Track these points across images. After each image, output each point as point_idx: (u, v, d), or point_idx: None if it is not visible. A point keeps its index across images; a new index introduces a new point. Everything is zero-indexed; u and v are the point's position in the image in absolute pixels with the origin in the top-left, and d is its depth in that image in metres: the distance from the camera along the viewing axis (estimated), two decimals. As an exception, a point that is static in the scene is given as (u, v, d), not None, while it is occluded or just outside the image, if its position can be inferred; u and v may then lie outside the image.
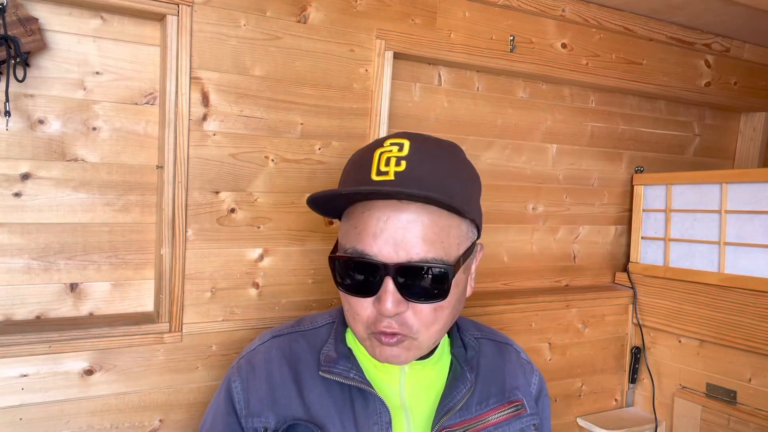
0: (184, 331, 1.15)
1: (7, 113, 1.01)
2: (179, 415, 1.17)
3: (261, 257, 1.22)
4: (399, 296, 0.71)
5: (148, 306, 1.19)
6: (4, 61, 0.96)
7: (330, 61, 1.22)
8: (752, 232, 1.49)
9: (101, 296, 1.15)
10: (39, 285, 1.10)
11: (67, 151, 1.09)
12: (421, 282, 0.72)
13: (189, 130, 1.10)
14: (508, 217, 1.64)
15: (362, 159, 0.76)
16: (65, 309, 1.12)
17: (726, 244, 1.54)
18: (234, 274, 1.19)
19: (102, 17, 1.08)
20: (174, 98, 1.08)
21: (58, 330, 1.04)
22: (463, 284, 0.79)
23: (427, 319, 0.74)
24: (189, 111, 1.10)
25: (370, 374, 0.82)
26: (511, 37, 1.45)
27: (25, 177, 1.06)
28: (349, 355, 0.82)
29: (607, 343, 1.76)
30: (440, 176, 0.73)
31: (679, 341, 1.67)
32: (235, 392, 0.82)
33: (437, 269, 0.71)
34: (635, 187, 1.79)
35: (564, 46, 1.54)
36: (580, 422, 1.71)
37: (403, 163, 0.72)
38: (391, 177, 0.71)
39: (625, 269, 1.80)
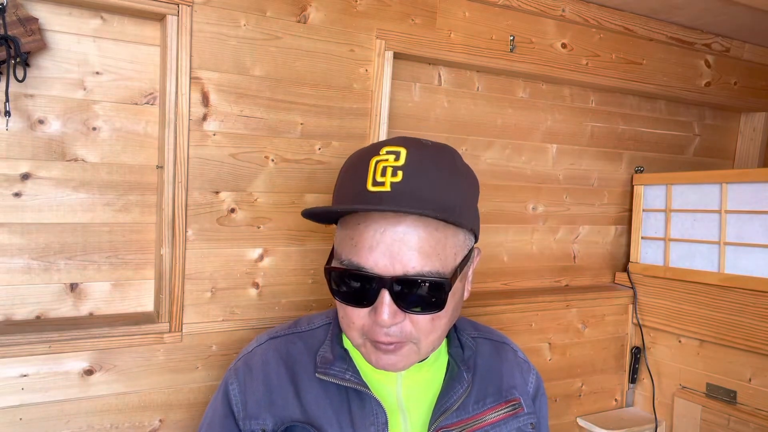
0: (184, 331, 1.15)
1: (7, 113, 1.01)
2: (179, 415, 1.17)
3: (261, 257, 1.22)
4: (395, 308, 0.71)
5: (148, 306, 1.19)
6: (4, 61, 0.96)
7: (330, 61, 1.22)
8: (752, 232, 1.49)
9: (101, 296, 1.15)
10: (39, 285, 1.10)
11: (67, 151, 1.09)
12: (418, 294, 0.71)
13: (189, 130, 1.10)
14: (508, 217, 1.64)
15: (358, 167, 0.75)
16: (65, 309, 1.12)
17: (726, 244, 1.54)
18: (234, 274, 1.19)
19: (102, 17, 1.08)
20: (174, 98, 1.08)
21: (58, 330, 1.04)
22: (460, 292, 0.79)
23: (425, 329, 0.74)
24: (189, 111, 1.10)
25: (366, 375, 0.82)
26: (511, 37, 1.45)
27: (25, 177, 1.06)
28: (345, 357, 0.82)
29: (607, 343, 1.76)
30: (437, 186, 0.72)
31: (679, 341, 1.67)
32: (232, 394, 0.82)
33: (433, 282, 0.71)
34: (635, 187, 1.79)
35: (564, 46, 1.54)
36: (580, 422, 1.71)
37: (400, 173, 0.71)
38: (387, 188, 0.70)
39: (625, 269, 1.80)
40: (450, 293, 0.73)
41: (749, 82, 1.89)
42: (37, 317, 1.10)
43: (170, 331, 1.13)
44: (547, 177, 1.68)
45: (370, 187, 0.71)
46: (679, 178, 1.68)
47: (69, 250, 1.11)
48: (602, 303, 1.73)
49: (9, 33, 0.96)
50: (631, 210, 1.82)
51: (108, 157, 1.12)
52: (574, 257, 1.77)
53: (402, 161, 0.71)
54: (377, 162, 0.72)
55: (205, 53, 1.10)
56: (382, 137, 1.30)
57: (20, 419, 1.03)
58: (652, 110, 1.84)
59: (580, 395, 1.72)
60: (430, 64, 1.44)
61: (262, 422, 0.79)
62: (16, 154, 1.05)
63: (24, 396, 1.03)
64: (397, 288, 0.70)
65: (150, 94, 1.14)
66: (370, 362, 0.77)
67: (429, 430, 0.80)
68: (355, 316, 0.74)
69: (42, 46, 1.01)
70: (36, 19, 1.00)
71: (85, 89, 1.09)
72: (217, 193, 1.16)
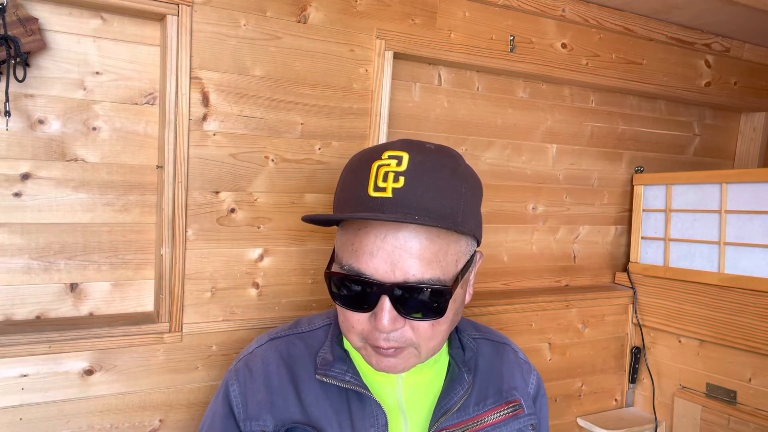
0: (184, 331, 1.15)
1: (7, 113, 1.01)
2: (179, 415, 1.17)
3: (261, 257, 1.22)
4: (395, 313, 0.71)
5: (148, 306, 1.19)
6: (4, 61, 0.96)
7: (330, 61, 1.22)
8: (752, 232, 1.49)
9: (101, 296, 1.15)
10: (39, 285, 1.10)
11: (67, 151, 1.09)
12: (418, 300, 0.71)
13: (189, 130, 1.10)
14: (508, 217, 1.64)
15: (359, 171, 0.74)
16: (65, 309, 1.12)
17: (726, 244, 1.54)
18: (234, 274, 1.19)
19: (102, 17, 1.08)
20: (174, 98, 1.08)
21: (58, 330, 1.04)
22: (461, 298, 0.78)
23: (425, 335, 0.74)
24: (189, 111, 1.10)
25: (366, 376, 0.82)
26: (511, 37, 1.45)
27: (25, 177, 1.06)
28: (345, 358, 0.82)
29: (607, 343, 1.76)
30: (440, 192, 0.71)
31: (679, 341, 1.67)
32: (232, 396, 0.82)
33: (434, 289, 0.70)
34: (635, 187, 1.79)
35: (564, 46, 1.54)
36: (580, 422, 1.71)
37: (402, 179, 0.70)
38: (389, 194, 0.69)
39: (625, 269, 1.80)
40: (451, 300, 0.72)
41: (749, 82, 1.89)
42: (37, 317, 1.10)
43: (170, 331, 1.13)
44: (547, 177, 1.68)
45: (372, 193, 0.70)
46: (679, 178, 1.68)
47: (69, 250, 1.11)
48: (602, 303, 1.73)
49: (9, 33, 0.96)
50: (631, 210, 1.82)
51: (108, 157, 1.12)
52: (574, 257, 1.77)
53: (404, 166, 0.70)
54: (379, 166, 0.71)
55: (205, 53, 1.10)
56: (382, 137, 1.30)
57: (20, 419, 1.03)
58: (652, 110, 1.84)
59: (580, 395, 1.72)
60: (430, 64, 1.44)
61: (262, 423, 0.79)
62: (16, 154, 1.05)
63: (24, 396, 1.03)
64: (398, 294, 0.70)
65: (150, 94, 1.14)
66: (370, 364, 0.77)
67: (429, 431, 0.80)
68: (354, 321, 0.74)
69: (42, 46, 1.01)
70: (36, 19, 1.00)
71: (85, 89, 1.09)
72: (217, 193, 1.16)
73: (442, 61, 1.41)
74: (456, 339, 0.89)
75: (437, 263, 0.71)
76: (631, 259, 1.80)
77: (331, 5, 1.21)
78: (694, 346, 1.63)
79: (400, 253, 0.69)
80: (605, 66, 1.61)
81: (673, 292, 1.66)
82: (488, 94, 1.54)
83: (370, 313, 0.72)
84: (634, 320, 1.77)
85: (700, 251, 1.61)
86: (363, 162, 0.74)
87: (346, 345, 0.84)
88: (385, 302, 0.70)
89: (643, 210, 1.78)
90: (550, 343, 1.65)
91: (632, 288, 1.77)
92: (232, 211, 1.18)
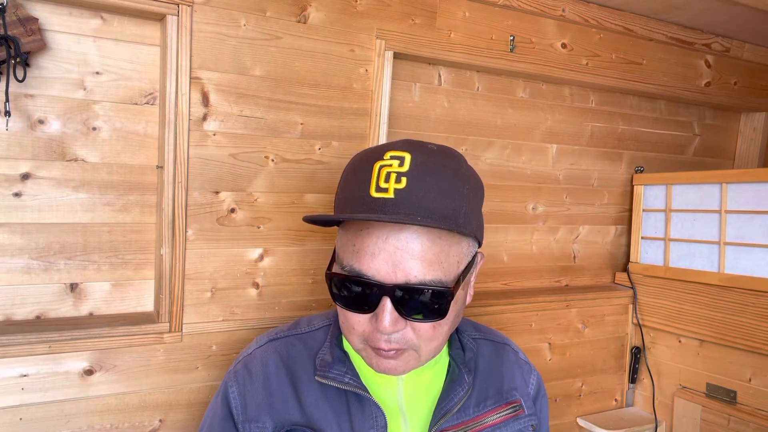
0: (184, 331, 1.15)
1: (7, 113, 1.01)
2: (179, 415, 1.17)
3: (261, 257, 1.22)
4: (397, 315, 0.70)
5: (148, 306, 1.19)
6: (4, 61, 0.96)
7: (330, 61, 1.22)
8: (752, 232, 1.49)
9: (101, 296, 1.15)
10: (39, 285, 1.10)
11: (67, 151, 1.09)
12: (419, 302, 0.70)
13: (189, 130, 1.10)
14: (508, 217, 1.64)
15: (361, 171, 0.73)
16: (65, 309, 1.12)
17: (726, 244, 1.54)
18: (234, 274, 1.19)
19: (102, 17, 1.08)
20: (174, 98, 1.08)
21: (58, 330, 1.04)
22: (462, 299, 0.78)
23: (426, 336, 0.73)
24: (189, 111, 1.10)
25: (366, 378, 0.81)
26: (511, 37, 1.45)
27: (25, 177, 1.06)
28: (344, 359, 0.81)
29: (607, 343, 1.76)
30: (442, 193, 0.71)
31: (679, 341, 1.67)
32: (231, 397, 0.82)
33: (436, 291, 0.70)
34: (635, 187, 1.79)
35: (564, 46, 1.54)
36: (580, 422, 1.71)
37: (404, 180, 0.69)
38: (391, 195, 0.69)
39: (625, 269, 1.80)
40: (452, 301, 0.72)
41: (749, 82, 1.89)
42: (37, 317, 1.10)
43: (170, 331, 1.13)
44: (547, 177, 1.68)
45: (373, 193, 0.70)
46: (679, 178, 1.68)
47: (69, 250, 1.11)
48: (602, 303, 1.73)
49: (9, 33, 0.96)
50: (631, 210, 1.82)
51: (108, 157, 1.12)
52: (574, 257, 1.77)
53: (406, 167, 0.70)
54: (381, 167, 0.71)
55: (205, 53, 1.10)
56: (382, 137, 1.30)
57: (20, 419, 1.03)
58: (652, 110, 1.84)
59: (580, 395, 1.72)
60: (430, 64, 1.44)
61: (261, 425, 0.79)
62: (16, 154, 1.05)
63: (24, 396, 1.03)
64: (399, 295, 0.70)
65: (150, 94, 1.14)
66: (370, 366, 0.77)
67: None
68: (355, 322, 0.74)
69: (42, 46, 1.01)
70: (36, 19, 1.00)
71: (85, 89, 1.09)
72: (217, 193, 1.16)
73: (442, 61, 1.41)
74: (456, 340, 0.89)
75: (439, 264, 0.70)
76: (631, 259, 1.80)
77: (331, 5, 1.21)
78: (694, 346, 1.63)
79: (402, 255, 0.69)
80: (605, 66, 1.61)
81: (673, 292, 1.66)
82: (488, 94, 1.54)
83: (371, 314, 0.72)
84: (634, 320, 1.77)
85: (700, 251, 1.61)
86: (364, 162, 0.74)
87: (346, 346, 0.84)
88: (387, 303, 0.70)
89: (643, 210, 1.78)
90: (550, 343, 1.65)
91: (632, 288, 1.77)
92: (232, 211, 1.18)
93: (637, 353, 1.77)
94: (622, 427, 1.66)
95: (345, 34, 1.23)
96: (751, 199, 1.49)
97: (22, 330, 1.02)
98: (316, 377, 0.80)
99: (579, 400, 1.73)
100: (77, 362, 1.07)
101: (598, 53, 1.59)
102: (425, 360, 0.77)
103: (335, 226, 0.81)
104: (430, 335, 0.74)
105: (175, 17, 1.06)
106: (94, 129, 1.10)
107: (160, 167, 1.13)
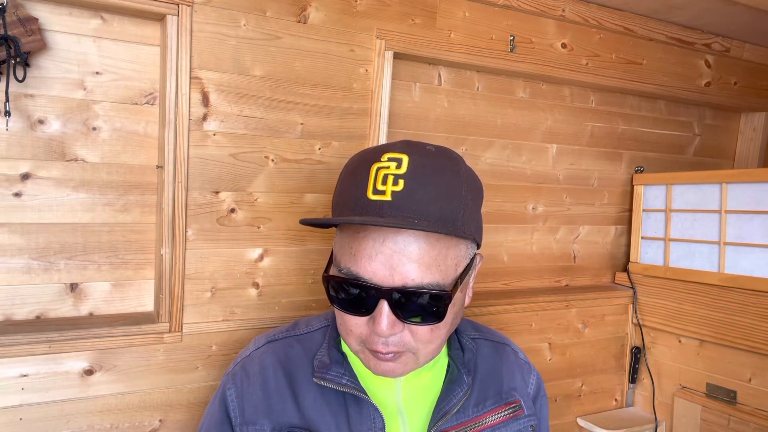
0: (184, 331, 1.15)
1: (7, 113, 1.01)
2: (179, 415, 1.17)
3: (261, 257, 1.22)
4: (394, 318, 0.70)
5: (148, 306, 1.19)
6: (4, 61, 0.96)
7: (330, 61, 1.22)
8: (752, 232, 1.49)
9: (101, 296, 1.15)
10: (39, 285, 1.10)
11: (67, 151, 1.09)
12: (417, 305, 0.70)
13: (189, 130, 1.10)
14: (508, 217, 1.64)
15: (358, 173, 0.72)
16: (65, 309, 1.12)
17: (726, 244, 1.54)
18: (234, 274, 1.19)
19: (102, 17, 1.08)
20: (174, 98, 1.08)
21: (58, 330, 1.04)
22: (460, 302, 0.78)
23: (424, 338, 0.73)
24: (189, 111, 1.10)
25: (364, 379, 0.81)
26: (511, 37, 1.45)
27: (25, 177, 1.06)
28: (342, 361, 0.81)
29: (607, 343, 1.76)
30: (440, 195, 0.70)
31: (679, 341, 1.67)
32: (229, 400, 0.82)
33: (433, 294, 0.69)
34: (635, 187, 1.79)
35: (564, 46, 1.54)
36: (580, 422, 1.71)
37: (401, 182, 0.68)
38: (388, 197, 0.68)
39: (625, 269, 1.80)
40: (450, 304, 0.72)
41: (749, 82, 1.89)
42: (37, 317, 1.10)
43: (170, 331, 1.13)
44: (547, 177, 1.68)
45: (371, 196, 0.69)
46: (679, 178, 1.68)
47: (69, 250, 1.11)
48: (602, 303, 1.73)
49: (9, 33, 0.96)
50: (631, 210, 1.82)
51: (108, 157, 1.12)
52: (574, 257, 1.77)
53: (404, 169, 0.69)
54: (378, 169, 0.70)
55: (205, 53, 1.10)
56: (382, 137, 1.30)
57: (20, 419, 1.03)
58: (652, 110, 1.84)
59: (580, 395, 1.72)
60: (430, 64, 1.44)
61: (259, 428, 0.78)
62: (16, 154, 1.05)
63: (24, 396, 1.03)
64: (396, 298, 0.69)
65: (150, 94, 1.14)
66: (368, 368, 0.76)
67: None
68: (353, 324, 0.73)
69: (42, 46, 1.01)
70: (36, 19, 1.00)
71: (85, 89, 1.09)
72: (217, 193, 1.16)
73: (442, 61, 1.41)
74: (455, 340, 0.89)
75: (437, 267, 0.70)
76: (631, 259, 1.80)
77: (331, 5, 1.21)
78: (694, 346, 1.63)
79: (399, 258, 0.68)
80: (605, 66, 1.61)
81: (673, 292, 1.66)
82: (488, 94, 1.54)
83: (369, 317, 0.72)
84: (634, 320, 1.77)
85: (700, 251, 1.61)
86: (362, 164, 0.73)
87: (344, 347, 0.84)
88: (384, 306, 0.69)
89: (643, 210, 1.78)
90: (550, 343, 1.65)
91: (632, 288, 1.77)
92: (232, 211, 1.18)
93: (637, 353, 1.77)
94: (622, 427, 1.66)
95: (345, 34, 1.23)
96: (751, 199, 1.49)
97: (22, 330, 1.02)
98: (314, 379, 0.80)
99: (579, 400, 1.73)
100: (77, 362, 1.07)
101: (598, 53, 1.59)
102: (423, 362, 0.77)
103: (334, 227, 0.81)
104: (428, 338, 0.73)
105: (175, 17, 1.06)
106: (94, 129, 1.10)
107: (160, 167, 1.13)
